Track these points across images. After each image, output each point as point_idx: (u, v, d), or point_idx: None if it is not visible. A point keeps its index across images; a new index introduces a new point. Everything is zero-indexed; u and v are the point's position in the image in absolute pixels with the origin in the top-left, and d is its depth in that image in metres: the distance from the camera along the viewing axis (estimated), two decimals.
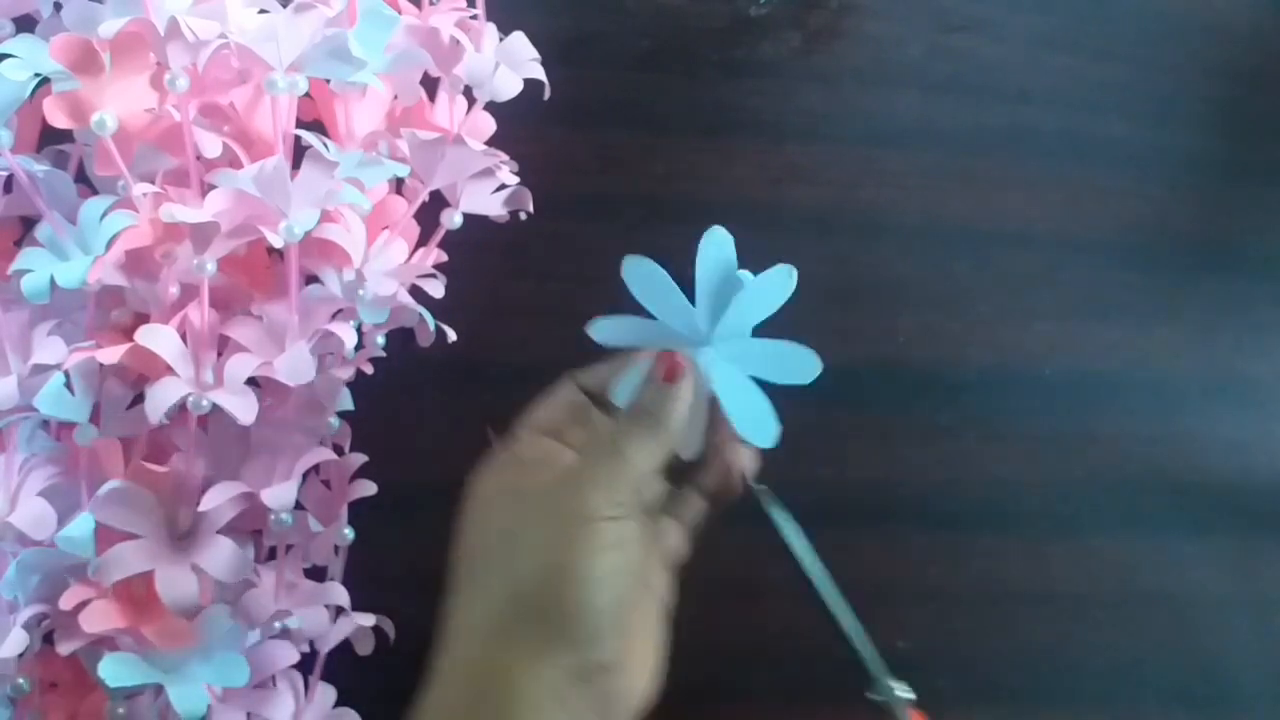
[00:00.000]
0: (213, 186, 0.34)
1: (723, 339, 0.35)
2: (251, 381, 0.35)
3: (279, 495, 0.35)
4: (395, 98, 0.41)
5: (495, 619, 0.30)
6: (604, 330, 0.36)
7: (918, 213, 0.51)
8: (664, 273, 0.35)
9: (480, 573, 0.32)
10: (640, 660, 0.32)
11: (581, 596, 0.29)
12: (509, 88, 0.41)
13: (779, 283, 0.35)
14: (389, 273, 0.39)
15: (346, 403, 0.40)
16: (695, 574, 0.47)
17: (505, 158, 0.41)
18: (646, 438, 0.33)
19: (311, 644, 0.39)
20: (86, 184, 0.38)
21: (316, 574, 0.40)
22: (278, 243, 0.34)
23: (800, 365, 0.35)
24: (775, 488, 0.48)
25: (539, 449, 0.35)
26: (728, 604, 0.48)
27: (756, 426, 0.35)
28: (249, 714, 0.37)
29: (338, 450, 0.40)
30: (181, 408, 0.33)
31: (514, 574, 0.30)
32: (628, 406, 0.34)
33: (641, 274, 0.35)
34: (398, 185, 0.41)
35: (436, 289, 0.40)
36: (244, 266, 0.37)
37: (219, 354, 0.35)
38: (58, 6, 0.38)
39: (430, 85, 0.42)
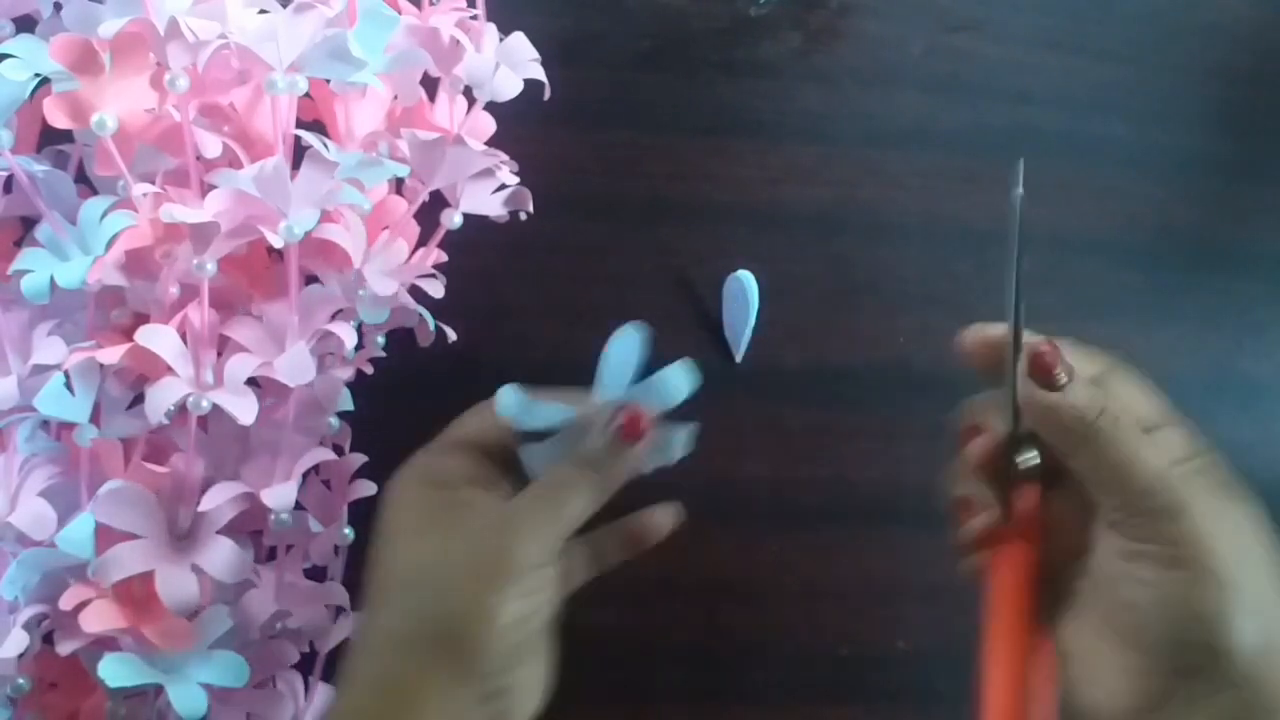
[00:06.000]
0: (213, 186, 0.34)
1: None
2: (251, 381, 0.35)
3: (279, 495, 0.35)
4: (395, 98, 0.41)
5: (410, 642, 0.30)
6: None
7: (918, 213, 0.51)
8: (534, 403, 0.33)
9: (399, 598, 0.31)
10: (535, 681, 0.32)
11: (494, 637, 0.30)
12: (509, 88, 0.41)
13: (679, 380, 0.33)
14: (389, 273, 0.39)
15: (346, 403, 0.40)
16: (694, 575, 0.48)
17: (505, 158, 0.41)
18: (592, 492, 0.32)
19: (311, 644, 0.39)
20: (86, 184, 0.38)
21: (316, 574, 0.40)
22: (278, 243, 0.34)
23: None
24: (775, 487, 0.48)
25: (464, 469, 0.34)
26: (728, 604, 0.48)
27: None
28: (249, 714, 0.37)
29: (338, 450, 0.40)
30: (181, 408, 0.33)
31: (432, 605, 0.31)
32: (578, 455, 0.33)
33: (515, 404, 0.33)
34: (398, 185, 0.41)
35: (436, 289, 0.40)
36: (244, 266, 0.37)
37: (219, 354, 0.35)
38: (58, 6, 0.38)
39: (430, 85, 0.42)
